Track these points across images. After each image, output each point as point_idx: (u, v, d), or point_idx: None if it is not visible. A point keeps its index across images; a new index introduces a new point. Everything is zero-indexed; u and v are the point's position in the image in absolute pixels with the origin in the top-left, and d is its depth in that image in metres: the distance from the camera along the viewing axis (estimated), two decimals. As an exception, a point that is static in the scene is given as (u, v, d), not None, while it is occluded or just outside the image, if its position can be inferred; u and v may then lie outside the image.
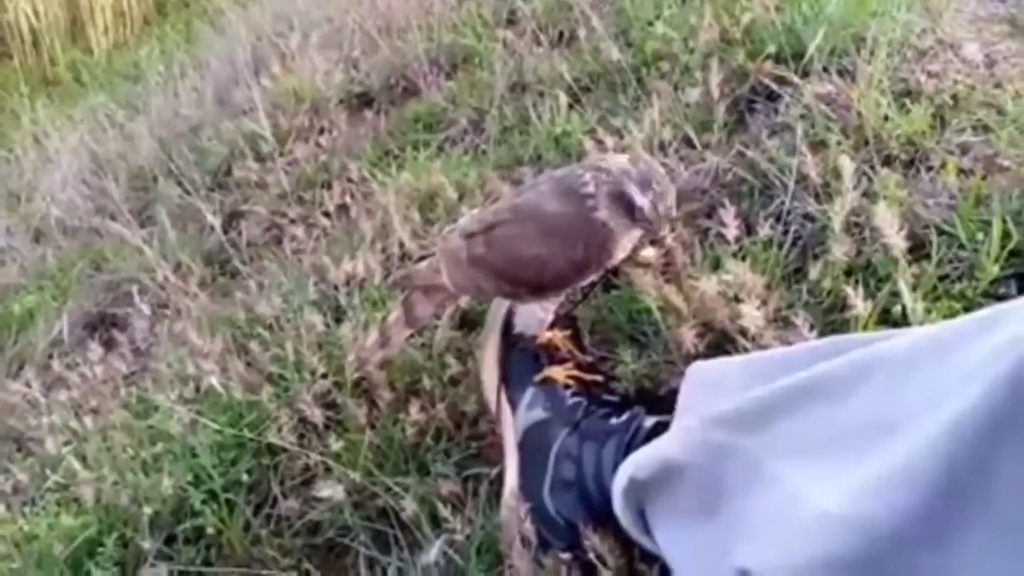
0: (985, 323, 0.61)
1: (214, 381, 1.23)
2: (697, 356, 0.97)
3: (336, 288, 1.36)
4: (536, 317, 1.03)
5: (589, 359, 1.06)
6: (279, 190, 1.81)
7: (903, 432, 0.59)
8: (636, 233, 0.94)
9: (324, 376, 1.20)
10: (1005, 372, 0.53)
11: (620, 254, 0.95)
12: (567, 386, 1.00)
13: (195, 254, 1.80)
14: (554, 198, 0.94)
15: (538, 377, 1.01)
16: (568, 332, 1.08)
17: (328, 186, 1.73)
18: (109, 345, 1.71)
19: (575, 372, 1.01)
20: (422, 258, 1.11)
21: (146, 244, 1.81)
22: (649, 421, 0.91)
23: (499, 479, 1.01)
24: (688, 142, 1.32)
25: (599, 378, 1.03)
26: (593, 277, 0.99)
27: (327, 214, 1.64)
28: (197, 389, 1.33)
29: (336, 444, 1.08)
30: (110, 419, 1.37)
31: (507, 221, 0.97)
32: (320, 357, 1.22)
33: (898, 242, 0.92)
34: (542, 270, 0.96)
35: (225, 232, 1.77)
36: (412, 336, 1.21)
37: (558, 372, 1.01)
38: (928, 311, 0.93)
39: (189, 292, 1.62)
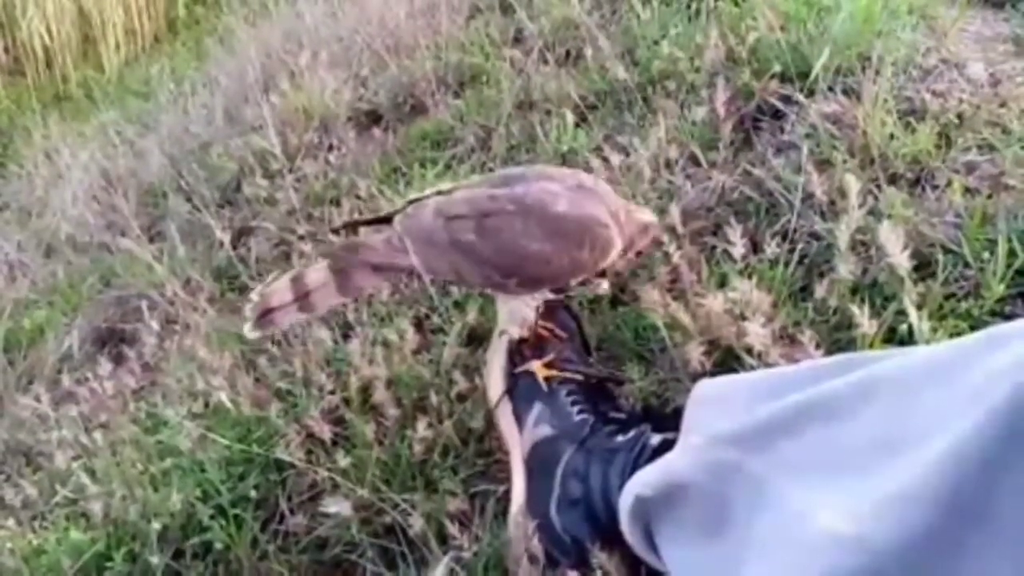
0: (990, 343, 0.61)
1: (223, 397, 1.24)
2: (703, 373, 0.98)
3: (344, 304, 1.36)
4: (520, 315, 1.05)
5: (597, 372, 1.08)
6: (288, 206, 1.82)
7: (909, 451, 0.59)
8: (620, 247, 0.99)
9: (332, 392, 1.20)
10: (1009, 393, 0.53)
11: (609, 263, 1.00)
12: (574, 403, 1.01)
13: (204, 270, 1.81)
14: (565, 199, 0.97)
15: (519, 369, 1.04)
16: (551, 324, 1.09)
17: (337, 203, 1.75)
18: (118, 360, 1.72)
19: (554, 372, 1.03)
20: (364, 223, 1.07)
21: (156, 260, 1.83)
22: (655, 439, 0.91)
23: (506, 496, 1.01)
24: (694, 160, 1.33)
25: (579, 377, 1.04)
26: (582, 277, 1.02)
27: (335, 231, 1.65)
28: (206, 404, 1.34)
29: (344, 460, 1.09)
30: (119, 434, 1.38)
31: (507, 212, 0.97)
32: (328, 373, 1.22)
33: (904, 261, 0.92)
34: (544, 266, 0.98)
35: (234, 248, 1.78)
36: (419, 352, 1.22)
37: (537, 366, 1.03)
38: (934, 330, 0.94)
39: (198, 308, 1.63)
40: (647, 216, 1.04)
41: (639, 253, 1.08)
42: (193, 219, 2.04)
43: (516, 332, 1.06)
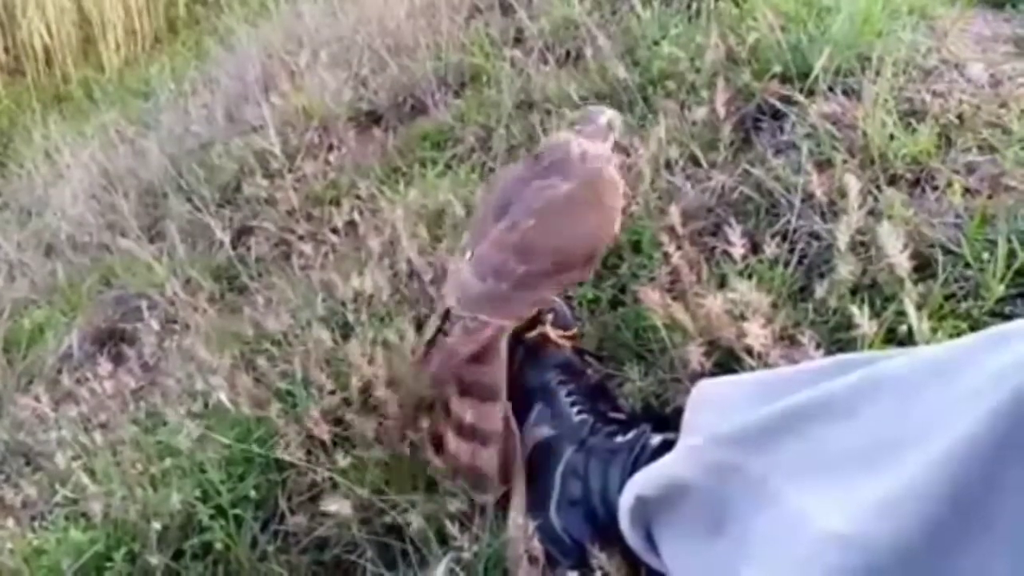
0: (990, 343, 0.61)
1: (222, 396, 1.23)
2: (703, 374, 0.98)
3: (344, 304, 1.36)
4: None
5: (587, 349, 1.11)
6: (288, 206, 1.82)
7: (908, 452, 0.59)
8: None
9: (332, 392, 1.20)
10: (1009, 394, 0.53)
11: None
12: (574, 403, 1.01)
13: (204, 270, 1.81)
14: (560, 180, 1.01)
15: (532, 334, 1.08)
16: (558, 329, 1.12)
17: (337, 203, 1.75)
18: (118, 360, 1.72)
19: (563, 333, 1.09)
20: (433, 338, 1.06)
21: (156, 260, 1.83)
22: (655, 439, 0.91)
23: (506, 497, 1.01)
24: (694, 160, 1.33)
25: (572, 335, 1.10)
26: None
27: (335, 231, 1.65)
28: (205, 404, 1.34)
29: (344, 460, 1.09)
30: (119, 434, 1.38)
31: (532, 227, 1.00)
32: (328, 373, 1.22)
33: (903, 261, 0.92)
34: (597, 237, 1.03)
35: (234, 248, 1.78)
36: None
37: (551, 332, 1.07)
38: (934, 330, 0.94)
39: (198, 308, 1.63)
40: (600, 119, 1.08)
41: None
42: (193, 219, 2.04)
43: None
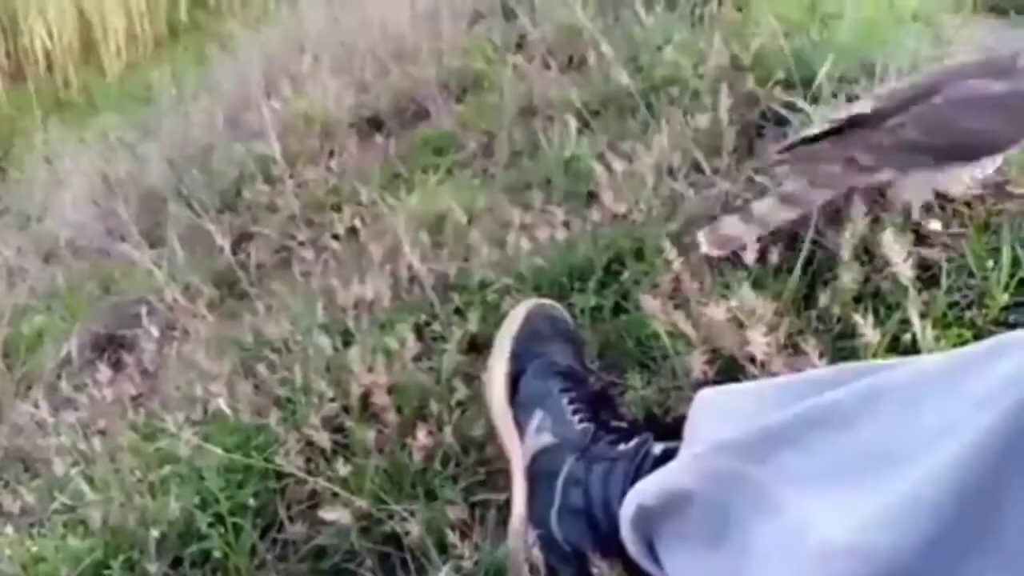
0: (994, 352, 0.61)
1: (222, 403, 1.23)
2: (706, 382, 0.97)
3: (344, 311, 1.36)
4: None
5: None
6: (289, 212, 1.82)
7: (911, 462, 0.59)
8: None
9: (332, 400, 1.19)
10: (1014, 403, 0.53)
11: None
12: (575, 411, 1.00)
13: (204, 276, 1.80)
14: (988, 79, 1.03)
15: None
16: None
17: (338, 209, 1.75)
18: (117, 366, 1.72)
19: None
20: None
21: (155, 265, 1.82)
22: (657, 447, 0.90)
23: (507, 505, 1.01)
24: (697, 167, 1.33)
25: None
26: None
27: (336, 237, 1.65)
28: (205, 411, 1.33)
29: (343, 468, 1.08)
30: (118, 441, 1.37)
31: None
32: (328, 380, 1.22)
33: (907, 270, 0.92)
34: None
35: (234, 254, 1.77)
36: (419, 359, 1.21)
37: None
38: (938, 339, 0.93)
39: (198, 314, 1.63)
40: None
41: None
42: (193, 224, 2.03)
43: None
